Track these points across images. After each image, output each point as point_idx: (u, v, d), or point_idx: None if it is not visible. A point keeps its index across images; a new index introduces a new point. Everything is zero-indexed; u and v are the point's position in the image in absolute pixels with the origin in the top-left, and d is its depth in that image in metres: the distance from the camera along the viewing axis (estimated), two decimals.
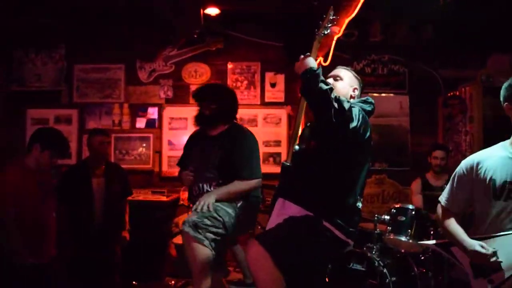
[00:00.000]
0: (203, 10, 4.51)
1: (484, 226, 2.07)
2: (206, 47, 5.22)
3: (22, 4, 4.57)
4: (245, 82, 5.28)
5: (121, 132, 5.18)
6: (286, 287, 2.24)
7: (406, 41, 5.02)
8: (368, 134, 2.28)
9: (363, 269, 3.40)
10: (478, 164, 2.10)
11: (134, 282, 4.04)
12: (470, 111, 4.49)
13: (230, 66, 5.29)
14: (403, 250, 3.62)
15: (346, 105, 2.10)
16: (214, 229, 2.77)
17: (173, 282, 4.06)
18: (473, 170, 2.10)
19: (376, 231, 3.63)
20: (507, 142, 2.10)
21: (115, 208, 4.06)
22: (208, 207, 2.79)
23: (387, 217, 3.61)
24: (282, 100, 5.13)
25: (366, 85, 5.23)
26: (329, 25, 2.41)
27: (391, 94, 5.25)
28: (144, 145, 5.18)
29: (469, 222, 2.19)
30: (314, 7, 4.24)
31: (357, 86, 2.55)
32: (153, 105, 5.24)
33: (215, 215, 2.80)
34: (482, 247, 1.98)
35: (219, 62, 5.30)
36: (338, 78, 2.51)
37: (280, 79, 5.17)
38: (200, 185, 3.05)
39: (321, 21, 2.40)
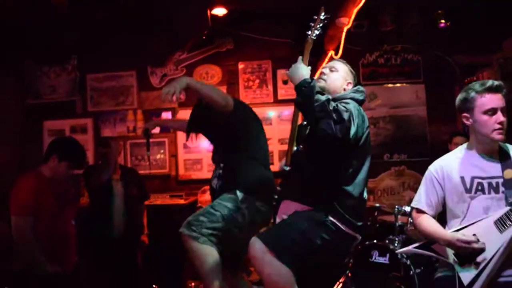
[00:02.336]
0: (210, 10, 4.50)
1: (458, 219, 2.19)
2: (215, 49, 5.22)
3: (33, 17, 4.62)
4: (257, 81, 5.25)
5: (136, 138, 5.20)
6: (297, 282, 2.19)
7: (419, 28, 4.91)
8: (365, 134, 2.26)
9: (387, 261, 3.34)
10: (445, 165, 2.28)
11: (154, 286, 4.03)
12: None
13: (241, 66, 5.27)
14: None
15: (345, 115, 2.05)
16: (210, 224, 2.61)
17: (193, 284, 4.06)
18: (442, 172, 2.27)
19: (397, 223, 3.56)
20: (464, 145, 2.32)
21: (133, 212, 4.07)
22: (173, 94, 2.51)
23: (407, 209, 3.54)
24: (295, 96, 5.06)
25: (380, 76, 5.18)
26: (321, 26, 2.38)
27: (406, 84, 5.15)
28: (162, 150, 5.20)
29: (440, 220, 2.30)
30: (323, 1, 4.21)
31: (351, 81, 2.51)
32: (167, 109, 5.25)
33: (211, 210, 2.66)
34: (463, 235, 2.08)
35: (229, 62, 5.29)
36: (333, 69, 2.49)
37: None
38: (215, 169, 2.96)
39: (312, 23, 2.38)
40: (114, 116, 5.29)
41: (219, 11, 4.62)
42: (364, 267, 3.42)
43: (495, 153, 2.19)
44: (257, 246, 2.17)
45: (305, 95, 2.10)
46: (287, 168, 2.44)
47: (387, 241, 3.47)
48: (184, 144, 5.19)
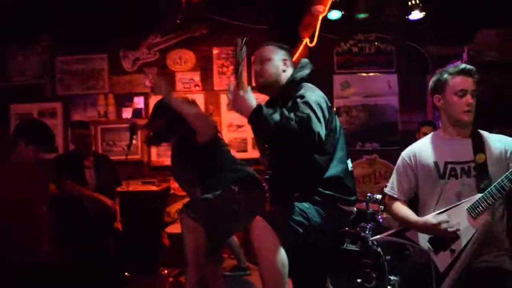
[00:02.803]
0: None
1: (432, 205, 2.22)
2: (190, 33, 5.13)
3: None
4: (231, 67, 5.20)
5: (107, 123, 5.10)
6: (291, 266, 2.25)
7: (393, 18, 4.94)
8: (328, 117, 2.24)
9: (358, 249, 3.39)
10: (418, 152, 2.31)
11: (126, 274, 3.99)
12: None
13: (215, 51, 5.21)
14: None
15: (313, 122, 2.01)
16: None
17: (166, 271, 4.05)
18: (415, 158, 2.30)
19: (369, 211, 3.61)
20: (438, 131, 2.35)
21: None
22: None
23: (379, 197, 3.60)
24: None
25: (354, 65, 5.21)
26: (243, 55, 2.27)
27: (379, 74, 5.20)
28: (134, 136, 5.08)
29: (413, 207, 2.34)
30: None
31: (286, 57, 2.47)
32: (139, 94, 5.17)
33: (210, 197, 2.76)
34: (435, 218, 2.14)
35: (204, 48, 5.21)
36: (263, 59, 2.44)
37: None
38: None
39: (234, 57, 2.28)
40: (84, 100, 5.16)
41: None
42: (335, 254, 3.46)
43: (467, 137, 2.22)
44: (261, 225, 2.20)
45: (262, 125, 2.06)
46: (268, 175, 2.45)
47: (358, 229, 3.53)
48: None
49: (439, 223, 2.10)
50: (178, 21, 4.92)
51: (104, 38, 5.06)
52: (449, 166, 2.19)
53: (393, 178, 2.40)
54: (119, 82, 5.18)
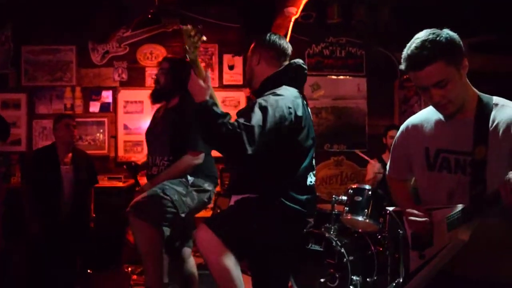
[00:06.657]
0: None
1: (424, 200, 1.82)
2: (162, 28, 5.08)
3: None
4: (203, 64, 5.14)
5: (74, 117, 4.97)
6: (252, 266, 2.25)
7: (364, 24, 5.02)
8: (293, 121, 2.14)
9: (321, 249, 3.44)
10: (413, 127, 1.83)
11: (89, 270, 3.93)
12: None
13: None
14: (360, 230, 3.67)
15: (248, 141, 1.93)
16: (159, 209, 2.67)
17: (130, 269, 4.00)
18: (408, 134, 1.85)
19: (333, 212, 3.66)
20: None
21: (82, 196, 3.95)
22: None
23: (344, 198, 3.65)
24: (241, 82, 5.04)
25: (325, 67, 5.28)
26: (198, 43, 2.22)
27: (349, 77, 5.28)
28: (101, 130, 5.01)
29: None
30: None
31: (258, 55, 2.37)
32: (107, 88, 5.07)
33: (161, 194, 2.68)
34: (413, 210, 1.77)
35: (175, 43, 5.16)
36: (254, 61, 2.37)
37: (238, 61, 5.09)
38: (152, 157, 2.97)
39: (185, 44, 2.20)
40: (50, 92, 5.02)
41: None
42: (299, 253, 3.50)
43: (473, 117, 1.65)
44: (204, 232, 2.16)
45: (202, 118, 2.03)
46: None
47: (323, 229, 3.57)
48: (124, 125, 5.05)
49: (410, 214, 1.74)
50: (149, 16, 4.86)
51: (72, 29, 4.95)
52: (441, 155, 1.70)
53: (390, 154, 2.02)
54: (87, 75, 5.07)
